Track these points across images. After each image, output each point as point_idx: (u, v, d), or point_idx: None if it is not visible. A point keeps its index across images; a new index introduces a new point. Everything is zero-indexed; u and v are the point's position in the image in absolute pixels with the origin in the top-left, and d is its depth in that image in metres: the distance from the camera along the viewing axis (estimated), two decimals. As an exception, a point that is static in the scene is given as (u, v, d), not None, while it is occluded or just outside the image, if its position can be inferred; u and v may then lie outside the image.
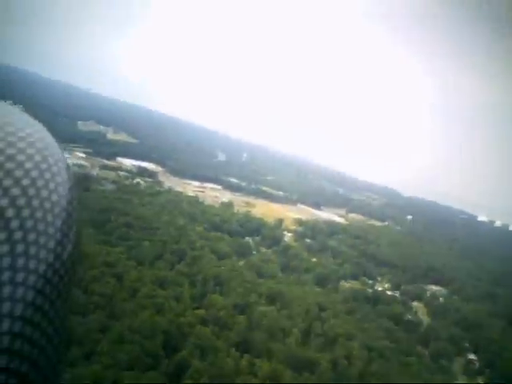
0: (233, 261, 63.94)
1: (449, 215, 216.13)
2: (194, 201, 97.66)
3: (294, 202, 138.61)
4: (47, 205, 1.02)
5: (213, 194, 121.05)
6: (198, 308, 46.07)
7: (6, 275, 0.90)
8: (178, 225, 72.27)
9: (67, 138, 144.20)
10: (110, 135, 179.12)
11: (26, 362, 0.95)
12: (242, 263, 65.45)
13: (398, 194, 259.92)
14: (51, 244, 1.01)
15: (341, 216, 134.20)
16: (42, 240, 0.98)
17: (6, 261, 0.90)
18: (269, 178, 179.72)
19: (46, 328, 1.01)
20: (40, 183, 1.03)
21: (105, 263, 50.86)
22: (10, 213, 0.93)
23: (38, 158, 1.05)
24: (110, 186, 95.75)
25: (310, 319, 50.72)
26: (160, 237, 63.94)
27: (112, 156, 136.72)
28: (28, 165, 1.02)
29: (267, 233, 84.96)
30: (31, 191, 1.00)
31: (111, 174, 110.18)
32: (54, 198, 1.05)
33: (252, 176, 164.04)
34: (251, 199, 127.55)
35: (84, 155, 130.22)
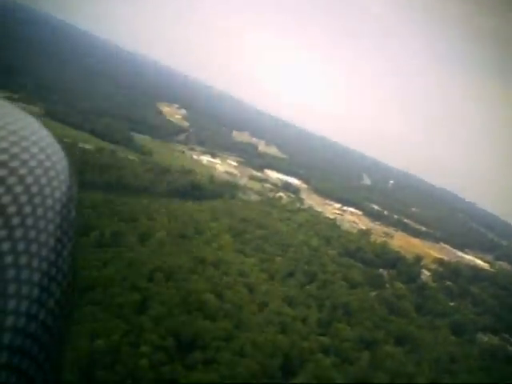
0: (364, 291, 62.14)
1: None
2: (332, 223, 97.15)
3: (436, 240, 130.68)
4: (49, 202, 1.04)
5: (351, 219, 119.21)
6: (322, 334, 45.64)
7: (10, 273, 0.92)
8: (312, 245, 72.44)
9: (223, 146, 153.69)
10: (262, 147, 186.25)
11: (26, 359, 0.96)
12: (373, 295, 63.44)
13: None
14: (51, 241, 1.03)
15: (486, 262, 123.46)
16: (42, 237, 1.00)
17: (9, 259, 0.92)
18: (413, 209, 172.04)
19: (52, 326, 1.02)
20: (43, 181, 1.04)
21: (239, 272, 52.80)
22: (11, 210, 0.95)
23: (41, 156, 1.07)
24: (253, 197, 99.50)
25: (439, 369, 47.34)
26: (293, 255, 64.71)
27: (260, 168, 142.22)
28: (32, 163, 1.03)
29: (404, 268, 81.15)
30: (34, 189, 1.01)
31: (257, 185, 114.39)
32: (57, 195, 1.07)
33: (395, 205, 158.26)
34: (390, 230, 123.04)
35: (236, 164, 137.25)
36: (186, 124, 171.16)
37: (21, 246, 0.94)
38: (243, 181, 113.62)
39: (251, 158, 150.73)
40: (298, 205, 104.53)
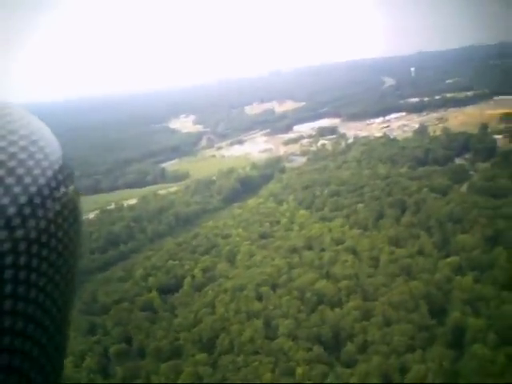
0: (456, 191, 58.39)
1: None
2: (386, 140, 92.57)
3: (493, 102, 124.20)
4: (49, 203, 1.06)
5: (399, 124, 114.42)
6: (447, 256, 42.94)
7: (9, 273, 0.93)
8: (382, 174, 68.92)
9: (243, 127, 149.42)
10: (277, 108, 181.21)
11: (27, 360, 0.97)
12: (464, 189, 59.80)
13: None
14: (53, 242, 1.05)
15: None
16: (43, 238, 1.02)
17: (9, 259, 0.93)
18: (448, 81, 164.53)
19: (49, 326, 1.04)
20: (42, 181, 1.06)
21: (334, 241, 50.23)
22: (11, 211, 0.96)
23: (39, 156, 1.08)
24: (300, 160, 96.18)
25: None
26: (370, 193, 61.56)
27: (288, 128, 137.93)
28: (30, 163, 1.05)
29: (476, 144, 76.77)
30: (32, 189, 1.02)
31: (295, 147, 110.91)
32: (56, 195, 1.09)
33: (428, 88, 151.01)
34: (441, 113, 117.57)
35: (265, 138, 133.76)
36: (200, 128, 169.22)
37: (21, 247, 0.96)
38: (281, 150, 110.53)
39: (273, 123, 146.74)
40: (343, 143, 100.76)
